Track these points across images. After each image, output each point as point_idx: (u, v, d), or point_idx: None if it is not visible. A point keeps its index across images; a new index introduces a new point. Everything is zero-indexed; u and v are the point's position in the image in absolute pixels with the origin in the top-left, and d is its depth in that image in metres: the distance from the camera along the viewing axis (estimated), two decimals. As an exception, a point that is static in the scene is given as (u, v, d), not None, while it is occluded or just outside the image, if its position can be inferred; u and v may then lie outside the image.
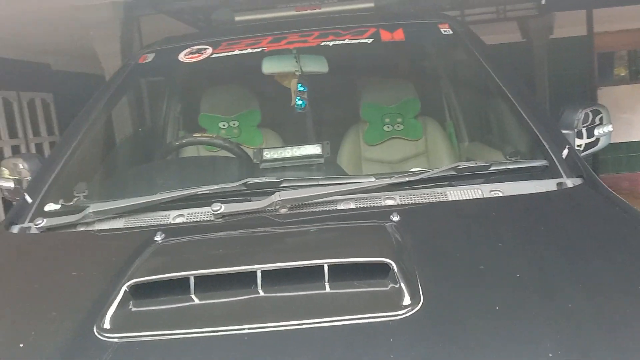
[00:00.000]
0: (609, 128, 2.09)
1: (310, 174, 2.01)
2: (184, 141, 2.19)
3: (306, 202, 1.52)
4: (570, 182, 1.58)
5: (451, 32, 2.27)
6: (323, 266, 1.06)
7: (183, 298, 1.07)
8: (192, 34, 2.51)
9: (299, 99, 2.36)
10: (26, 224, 1.63)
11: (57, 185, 1.83)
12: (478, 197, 1.53)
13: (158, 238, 1.39)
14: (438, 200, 1.51)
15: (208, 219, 1.51)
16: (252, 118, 2.94)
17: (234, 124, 2.91)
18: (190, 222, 1.52)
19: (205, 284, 1.08)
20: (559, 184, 1.58)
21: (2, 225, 1.66)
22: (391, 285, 1.05)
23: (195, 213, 1.55)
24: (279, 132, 2.99)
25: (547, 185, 1.57)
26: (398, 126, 2.88)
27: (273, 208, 1.51)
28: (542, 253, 1.20)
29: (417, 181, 1.57)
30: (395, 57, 2.70)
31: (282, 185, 1.61)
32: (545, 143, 1.74)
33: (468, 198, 1.51)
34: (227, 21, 3.24)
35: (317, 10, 3.22)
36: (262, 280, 1.06)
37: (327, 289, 1.06)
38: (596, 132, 2.01)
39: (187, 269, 1.11)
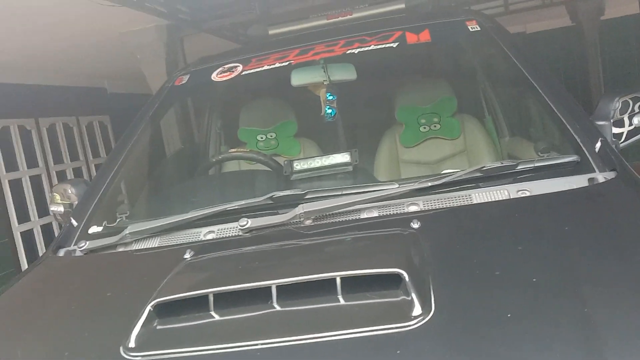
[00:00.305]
0: (651, 115, 1.99)
1: (339, 182, 2.03)
2: (217, 158, 2.27)
3: (329, 213, 1.54)
4: (602, 177, 1.51)
5: (479, 29, 2.23)
6: (336, 279, 1.08)
7: (203, 315, 1.11)
8: (224, 52, 2.58)
9: (328, 108, 2.38)
10: (71, 247, 1.74)
11: (101, 208, 1.94)
12: (504, 198, 1.49)
13: (187, 256, 1.45)
14: (462, 203, 1.49)
15: (236, 234, 1.56)
16: (288, 129, 2.99)
17: (271, 136, 2.97)
18: (219, 238, 1.57)
19: (225, 301, 1.13)
20: (590, 180, 1.52)
21: (51, 249, 1.77)
22: (403, 296, 1.05)
23: (225, 229, 1.60)
24: (316, 140, 3.03)
25: (578, 181, 1.51)
26: (435, 126, 2.84)
27: (297, 220, 1.54)
28: (564, 256, 1.16)
29: (440, 185, 1.55)
30: (423, 58, 2.68)
31: (306, 197, 1.64)
32: (576, 136, 1.68)
33: (493, 200, 1.49)
34: (261, 36, 3.33)
35: (348, 17, 3.24)
36: (277, 295, 1.09)
37: (341, 302, 1.07)
38: (636, 120, 1.92)
39: (207, 286, 1.15)
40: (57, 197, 2.24)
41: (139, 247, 1.65)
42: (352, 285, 1.09)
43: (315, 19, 3.27)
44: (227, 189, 2.05)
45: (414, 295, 1.03)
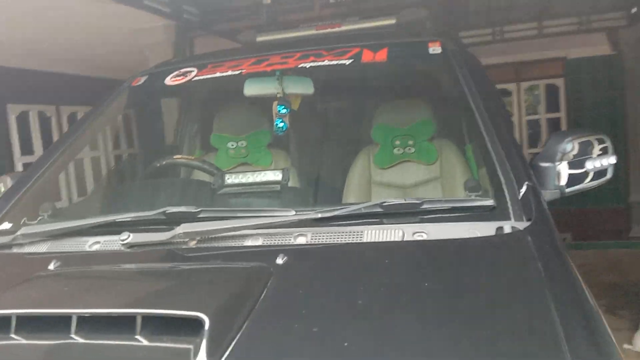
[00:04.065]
0: (610, 160, 1.78)
1: (264, 202, 1.93)
2: (160, 164, 2.19)
3: (213, 236, 1.44)
4: (511, 227, 1.34)
5: (439, 52, 2.08)
6: (136, 317, 0.98)
7: (5, 336, 1.04)
8: (189, 57, 2.52)
9: (280, 121, 2.28)
10: None
11: (23, 205, 1.90)
12: (395, 239, 1.35)
13: (51, 266, 1.38)
14: (349, 240, 1.36)
15: (118, 248, 1.48)
16: (261, 138, 2.91)
17: (242, 144, 2.89)
18: (101, 251, 1.49)
19: (30, 324, 1.04)
20: (499, 229, 1.35)
21: None
22: (196, 342, 0.94)
23: (110, 241, 1.52)
24: (289, 152, 2.93)
25: (485, 228, 1.35)
26: (409, 149, 2.70)
27: (181, 240, 1.45)
28: (401, 314, 1.01)
29: (333, 218, 1.42)
30: (374, 78, 2.54)
31: (200, 216, 1.54)
32: (502, 178, 1.51)
33: (381, 241, 1.34)
34: (250, 42, 3.27)
35: (337, 29, 3.14)
36: (77, 325, 1.00)
37: (139, 341, 0.97)
38: (589, 164, 1.72)
39: (14, 306, 1.07)
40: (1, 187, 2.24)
41: (30, 251, 1.60)
42: (156, 324, 0.98)
43: (305, 29, 3.19)
44: (151, 197, 1.97)
45: (204, 345, 0.92)
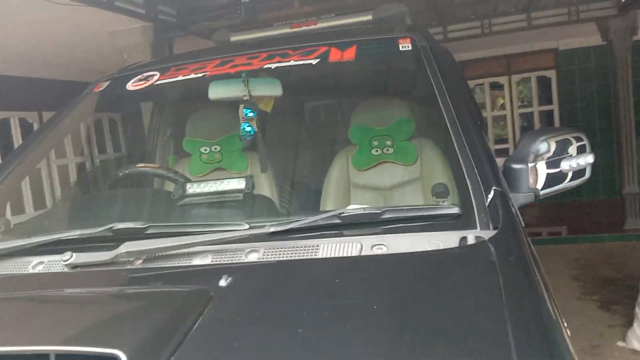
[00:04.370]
0: (588, 159, 1.69)
1: (227, 212, 1.83)
2: (123, 173, 2.10)
3: (159, 255, 1.34)
4: (475, 237, 1.25)
5: (409, 48, 1.98)
6: (50, 355, 0.89)
7: None
8: (153, 60, 2.42)
9: (247, 125, 2.19)
10: None
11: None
12: (352, 254, 1.25)
13: None
14: (306, 256, 1.26)
15: (61, 269, 1.38)
16: (235, 142, 2.80)
17: (215, 149, 2.79)
18: (42, 272, 1.40)
19: None
20: (463, 239, 1.25)
21: None
22: None
23: (54, 261, 1.42)
24: (261, 156, 2.84)
25: (447, 239, 1.25)
26: (387, 149, 2.60)
27: (126, 260, 1.35)
28: (350, 342, 0.92)
29: (288, 231, 1.33)
30: (344, 78, 2.44)
31: (147, 232, 1.44)
32: (469, 183, 1.41)
33: (337, 256, 1.25)
34: (224, 42, 3.17)
35: (313, 27, 3.04)
36: None
37: None
38: (564, 164, 1.62)
39: None
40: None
41: None
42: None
43: (280, 27, 3.09)
44: (107, 211, 1.87)
45: None
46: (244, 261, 1.28)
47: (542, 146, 1.60)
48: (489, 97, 8.97)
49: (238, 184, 1.84)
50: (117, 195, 2.02)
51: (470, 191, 1.39)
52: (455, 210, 1.34)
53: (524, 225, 1.42)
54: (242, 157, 2.79)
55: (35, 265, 1.44)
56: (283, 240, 1.33)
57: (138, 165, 2.24)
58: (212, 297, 1.09)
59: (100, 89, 2.30)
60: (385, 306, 1.02)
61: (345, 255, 1.24)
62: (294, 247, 1.30)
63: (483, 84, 8.69)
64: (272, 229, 1.32)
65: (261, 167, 2.73)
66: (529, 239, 1.38)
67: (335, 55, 2.02)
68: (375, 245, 1.27)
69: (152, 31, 4.46)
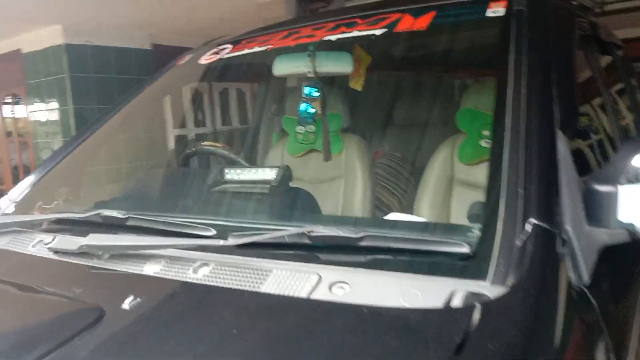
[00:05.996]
0: None
1: (251, 205, 1.62)
2: (189, 151, 2.01)
3: (119, 253, 1.20)
4: (465, 296, 0.84)
5: (502, 14, 1.51)
6: None
7: None
8: (244, 34, 2.27)
9: (308, 107, 1.92)
10: None
11: (40, 188, 1.88)
12: (303, 291, 0.94)
13: None
14: (246, 286, 0.99)
15: (46, 253, 1.33)
16: (332, 122, 2.57)
17: (310, 129, 2.59)
18: (34, 253, 1.36)
19: None
20: (450, 297, 0.85)
21: None
22: None
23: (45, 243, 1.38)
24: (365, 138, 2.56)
25: (431, 291, 0.87)
26: None
27: (94, 252, 1.24)
28: None
29: (246, 245, 1.07)
30: (413, 50, 1.95)
31: (127, 224, 1.31)
32: (502, 210, 0.98)
33: (283, 293, 0.95)
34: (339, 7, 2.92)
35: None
36: None
37: None
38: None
39: None
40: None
41: None
42: None
43: None
44: (153, 190, 1.80)
45: None
46: (188, 277, 1.07)
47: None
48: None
49: (268, 174, 1.61)
50: (172, 174, 1.95)
51: (498, 221, 0.96)
52: (464, 248, 0.94)
53: (587, 284, 0.95)
54: (338, 138, 2.54)
55: (36, 244, 1.41)
56: (241, 255, 1.08)
57: (203, 144, 2.15)
58: (101, 319, 0.90)
59: (182, 62, 2.24)
60: None
61: (289, 293, 0.94)
62: (244, 268, 1.04)
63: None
64: (221, 243, 1.07)
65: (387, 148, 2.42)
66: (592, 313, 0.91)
67: (405, 24, 1.64)
68: (336, 283, 0.94)
69: (294, 3, 4.38)
